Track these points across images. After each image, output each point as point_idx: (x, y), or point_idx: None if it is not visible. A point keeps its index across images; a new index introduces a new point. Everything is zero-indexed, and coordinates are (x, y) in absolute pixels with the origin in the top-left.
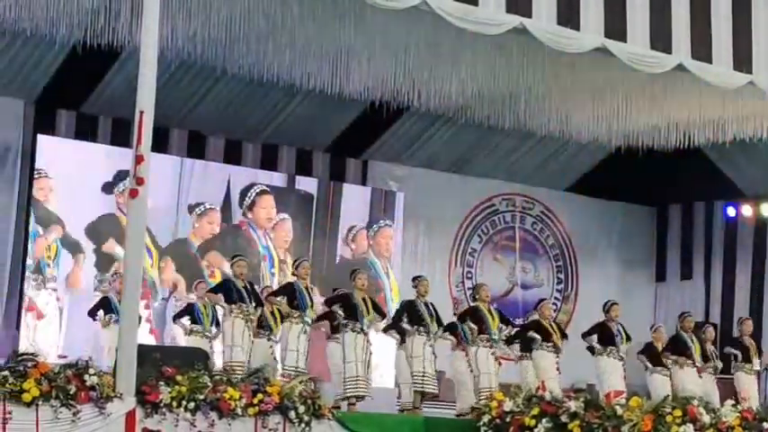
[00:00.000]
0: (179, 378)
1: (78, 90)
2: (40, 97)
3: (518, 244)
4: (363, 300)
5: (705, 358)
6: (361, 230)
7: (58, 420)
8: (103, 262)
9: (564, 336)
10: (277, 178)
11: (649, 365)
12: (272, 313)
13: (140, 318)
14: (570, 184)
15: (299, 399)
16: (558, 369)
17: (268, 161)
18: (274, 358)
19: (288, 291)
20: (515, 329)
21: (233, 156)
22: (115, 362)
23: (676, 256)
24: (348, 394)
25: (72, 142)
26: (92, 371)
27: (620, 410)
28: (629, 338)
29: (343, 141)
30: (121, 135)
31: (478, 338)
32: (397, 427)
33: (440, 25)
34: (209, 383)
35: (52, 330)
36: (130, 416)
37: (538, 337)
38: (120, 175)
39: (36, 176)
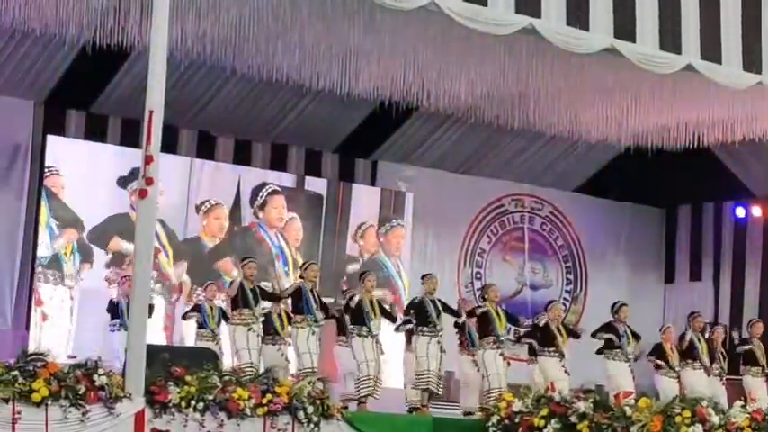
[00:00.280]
0: (188, 378)
1: (88, 90)
2: (49, 97)
3: (527, 244)
4: (371, 302)
5: (712, 359)
6: (370, 228)
7: (67, 420)
8: (114, 261)
9: (574, 335)
10: (286, 179)
11: (662, 364)
12: (279, 315)
13: (152, 307)
14: (579, 185)
15: (307, 399)
16: (565, 371)
17: (277, 161)
18: (285, 359)
19: (294, 294)
20: (524, 330)
21: (242, 156)
22: (125, 362)
23: (685, 257)
24: (362, 393)
25: (81, 143)
26: (101, 371)
27: (629, 411)
28: (637, 338)
29: (353, 142)
30: (131, 135)
31: (485, 340)
32: (406, 427)
33: (449, 25)
34: (219, 383)
35: (63, 330)
36: (139, 416)
37: (534, 343)
38: (135, 173)
39: (47, 174)
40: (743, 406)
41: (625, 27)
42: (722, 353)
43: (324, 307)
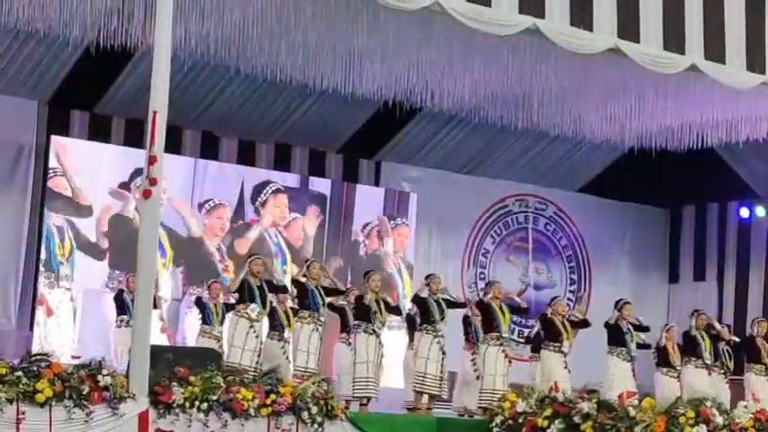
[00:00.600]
0: (192, 378)
1: (91, 91)
2: (53, 98)
3: (531, 245)
4: (376, 301)
5: (716, 358)
6: (376, 227)
7: (71, 421)
8: (116, 261)
9: (583, 324)
10: (290, 179)
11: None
12: (285, 312)
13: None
14: (583, 185)
15: (311, 399)
16: (566, 368)
17: (281, 162)
18: (287, 358)
19: (300, 291)
20: (533, 331)
21: (246, 156)
22: (128, 362)
23: (689, 258)
24: (357, 395)
25: (85, 143)
26: (105, 371)
27: (632, 411)
28: (645, 329)
29: (357, 142)
30: (135, 136)
31: (488, 336)
32: (410, 427)
33: (452, 26)
34: (222, 384)
35: (66, 330)
36: (143, 416)
37: (541, 333)
38: (137, 173)
39: (50, 174)
40: (746, 406)
41: (629, 27)
42: (727, 351)
43: (391, 309)
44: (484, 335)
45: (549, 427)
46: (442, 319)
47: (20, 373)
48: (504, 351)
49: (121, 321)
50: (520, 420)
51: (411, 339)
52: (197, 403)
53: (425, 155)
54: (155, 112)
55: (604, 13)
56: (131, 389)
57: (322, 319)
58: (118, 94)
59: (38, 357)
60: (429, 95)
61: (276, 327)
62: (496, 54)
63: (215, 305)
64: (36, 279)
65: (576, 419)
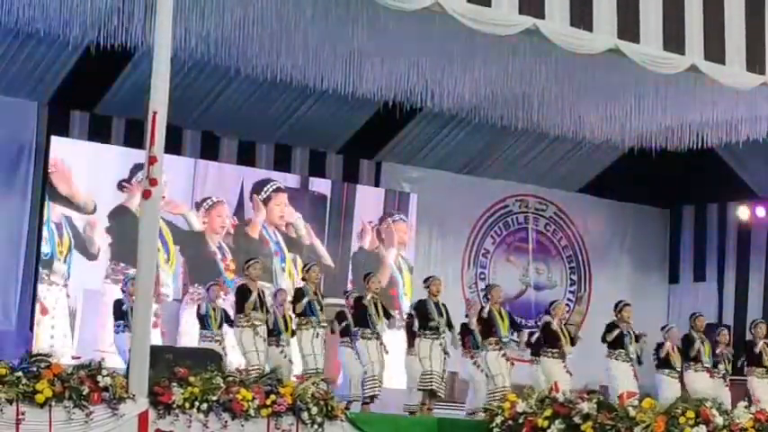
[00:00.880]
0: (192, 379)
1: (92, 91)
2: (53, 98)
3: (531, 245)
4: (375, 304)
5: (716, 360)
6: (375, 227)
7: (71, 421)
8: (118, 254)
9: (572, 342)
10: (291, 179)
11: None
12: (284, 317)
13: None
14: (583, 186)
15: (311, 400)
16: (567, 372)
17: (282, 162)
18: (289, 360)
19: (297, 296)
20: (533, 335)
21: (246, 157)
22: (128, 363)
23: (689, 258)
24: (368, 393)
25: (85, 143)
26: (104, 372)
27: (632, 412)
28: (637, 339)
29: (357, 142)
30: (135, 136)
31: (488, 341)
32: (410, 427)
33: (453, 26)
34: (222, 384)
35: (66, 331)
36: (143, 417)
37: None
38: (136, 168)
39: (52, 171)
40: (746, 407)
41: (629, 28)
42: (727, 354)
43: (387, 314)
44: (483, 340)
45: (549, 427)
46: (445, 323)
47: (20, 373)
48: (504, 354)
49: (118, 326)
50: (520, 421)
51: (410, 345)
52: (197, 404)
53: (425, 155)
54: (155, 113)
55: (604, 13)
56: (131, 389)
57: (322, 323)
58: (118, 95)
59: (38, 358)
60: (429, 96)
61: (273, 332)
62: (496, 54)
63: (213, 309)
64: (36, 279)
65: (576, 420)
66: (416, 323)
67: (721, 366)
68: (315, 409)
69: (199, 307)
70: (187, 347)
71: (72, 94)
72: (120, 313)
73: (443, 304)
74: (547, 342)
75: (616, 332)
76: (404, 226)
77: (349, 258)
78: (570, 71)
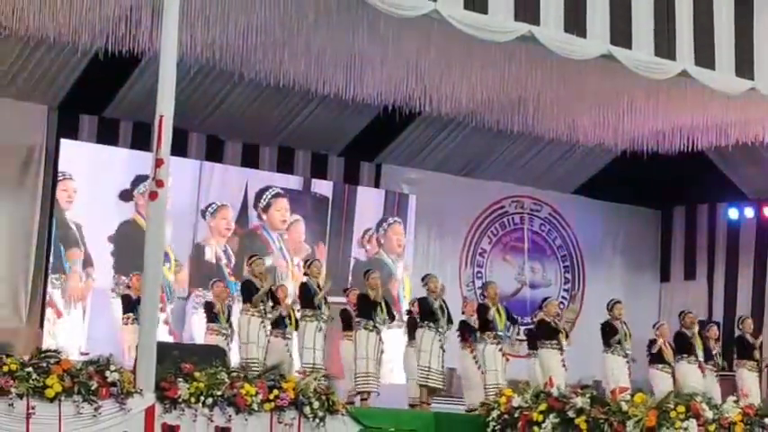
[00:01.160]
0: (197, 374)
1: (100, 95)
2: (62, 102)
3: (527, 245)
4: (377, 300)
5: (708, 356)
6: (374, 235)
7: (80, 415)
8: (122, 265)
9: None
10: (293, 181)
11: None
12: (288, 310)
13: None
14: (577, 187)
15: (313, 395)
16: (564, 366)
17: (284, 164)
18: (290, 355)
19: (303, 291)
20: (527, 329)
21: (250, 159)
22: (135, 359)
23: (680, 257)
24: (358, 389)
25: (94, 146)
26: (113, 367)
27: (625, 406)
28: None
29: (358, 145)
30: (142, 139)
31: (485, 335)
32: (409, 421)
33: (450, 33)
34: (227, 380)
35: (75, 328)
36: (150, 411)
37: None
38: (138, 180)
39: (60, 178)
40: (735, 401)
41: (621, 34)
42: (717, 349)
43: (390, 313)
44: (481, 334)
45: (543, 421)
46: (443, 314)
47: (30, 369)
48: (500, 349)
49: (128, 318)
50: (515, 415)
51: (411, 338)
52: (202, 398)
53: (424, 158)
54: (161, 116)
55: (597, 20)
56: (138, 384)
57: (324, 316)
58: (126, 99)
59: (47, 354)
60: (428, 100)
61: (279, 325)
62: (493, 60)
63: (220, 304)
64: (46, 279)
65: (570, 414)
66: (417, 318)
67: (711, 361)
68: (317, 404)
69: (208, 303)
70: (193, 344)
71: (81, 98)
72: (129, 306)
73: (443, 300)
74: (544, 335)
75: (617, 337)
76: (400, 228)
77: (349, 258)
78: (564, 76)
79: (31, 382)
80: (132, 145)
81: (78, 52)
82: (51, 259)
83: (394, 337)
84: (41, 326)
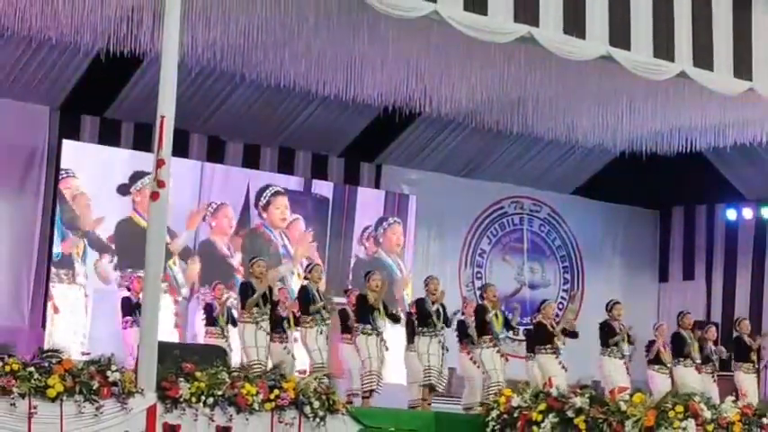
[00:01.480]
0: (198, 374)
1: (102, 96)
2: (64, 103)
3: (526, 245)
4: (375, 300)
5: (704, 357)
6: (372, 234)
7: (81, 415)
8: (120, 264)
9: (573, 335)
10: (294, 182)
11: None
12: (287, 314)
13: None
14: (576, 188)
15: (313, 394)
16: (563, 367)
17: (285, 165)
18: (292, 356)
19: (302, 296)
20: (526, 329)
21: (251, 160)
22: (137, 358)
23: (679, 258)
24: (365, 388)
25: (95, 146)
26: (114, 367)
27: (623, 406)
28: (630, 341)
29: (358, 146)
30: (143, 139)
31: (483, 339)
32: (409, 421)
33: (450, 34)
34: (228, 379)
35: (77, 328)
36: (151, 411)
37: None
38: (136, 176)
39: (62, 176)
40: (734, 401)
41: (620, 35)
42: (714, 350)
43: (394, 317)
44: (478, 337)
45: (543, 421)
46: (439, 317)
47: (32, 368)
48: (498, 351)
49: (126, 322)
50: (515, 414)
51: (410, 341)
52: (203, 398)
53: (424, 158)
54: (163, 117)
55: (597, 21)
56: (139, 384)
57: (326, 320)
58: (127, 100)
59: (49, 354)
60: (427, 101)
61: (277, 329)
62: (492, 61)
63: (220, 305)
64: (48, 278)
65: (570, 414)
66: (415, 321)
67: (709, 362)
68: (317, 404)
69: (208, 305)
70: (194, 344)
71: (83, 99)
72: (129, 309)
73: (442, 305)
74: (541, 339)
75: (617, 338)
76: (399, 228)
77: (350, 258)
78: (564, 77)
79: (32, 381)
80: (134, 145)
81: (80, 53)
82: (53, 259)
83: (395, 335)
84: (43, 326)
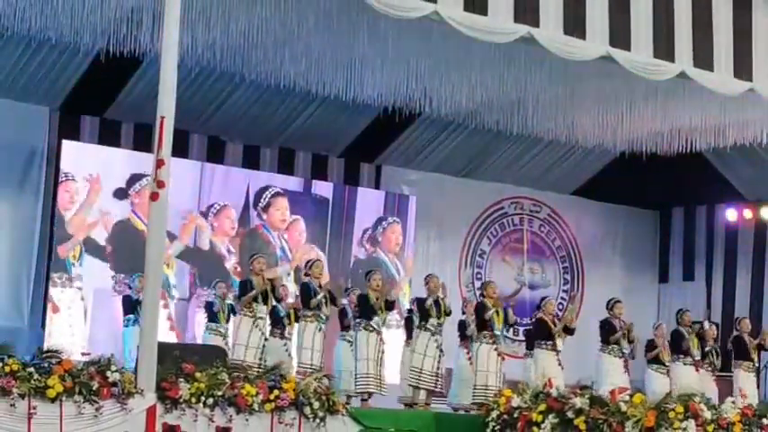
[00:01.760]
0: (198, 375)
1: (101, 96)
2: (64, 103)
3: (526, 246)
4: (377, 300)
5: (704, 355)
6: (371, 234)
7: (81, 415)
8: (120, 266)
9: (569, 332)
10: (294, 182)
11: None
12: (287, 310)
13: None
14: (576, 188)
15: (313, 395)
16: (560, 365)
17: (285, 165)
18: (289, 355)
19: (303, 291)
20: (525, 329)
21: (251, 160)
22: (137, 359)
23: (679, 258)
24: (359, 390)
25: (95, 147)
26: (114, 367)
27: (624, 407)
28: (630, 339)
29: (358, 147)
30: (143, 140)
31: (482, 334)
32: (409, 421)
33: (450, 34)
34: (227, 380)
35: (76, 329)
36: (151, 411)
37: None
38: (134, 179)
39: (62, 179)
40: (734, 402)
41: (620, 36)
42: (714, 349)
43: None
44: (477, 333)
45: (543, 421)
46: (440, 316)
47: (31, 369)
48: (496, 349)
49: (128, 321)
50: (515, 415)
51: (409, 337)
52: (203, 399)
53: (424, 159)
54: (162, 118)
55: (597, 21)
56: (139, 385)
57: (324, 316)
58: (127, 100)
59: (49, 354)
60: (427, 101)
61: (278, 324)
62: (492, 61)
63: (222, 303)
64: (47, 279)
65: (570, 414)
66: (416, 319)
67: (708, 361)
68: (317, 404)
69: (209, 302)
70: (194, 344)
71: (82, 99)
72: (130, 308)
73: (442, 300)
74: (541, 335)
75: (617, 336)
76: (398, 228)
77: (349, 258)
78: (564, 78)
79: (32, 382)
80: (133, 146)
81: (80, 53)
82: (53, 260)
83: (393, 336)
84: (43, 326)
